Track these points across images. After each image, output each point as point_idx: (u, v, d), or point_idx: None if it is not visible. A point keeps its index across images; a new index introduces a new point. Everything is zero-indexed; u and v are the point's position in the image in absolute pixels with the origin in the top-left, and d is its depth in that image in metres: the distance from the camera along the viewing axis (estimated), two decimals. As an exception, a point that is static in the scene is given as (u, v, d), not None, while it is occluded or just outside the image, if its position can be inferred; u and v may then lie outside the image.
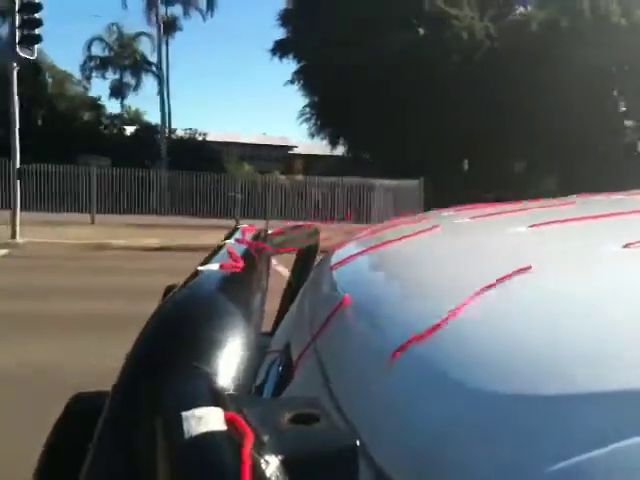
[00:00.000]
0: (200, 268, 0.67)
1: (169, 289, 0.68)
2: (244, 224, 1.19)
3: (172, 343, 0.45)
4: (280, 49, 28.95)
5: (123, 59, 35.04)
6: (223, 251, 0.81)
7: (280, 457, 0.31)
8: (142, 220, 17.39)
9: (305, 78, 28.74)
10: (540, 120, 23.44)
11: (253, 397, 0.56)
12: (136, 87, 35.81)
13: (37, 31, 12.34)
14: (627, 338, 0.43)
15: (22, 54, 12.23)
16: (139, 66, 35.31)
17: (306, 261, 1.39)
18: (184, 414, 0.32)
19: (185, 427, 0.32)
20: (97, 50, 34.82)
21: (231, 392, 0.40)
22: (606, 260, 0.64)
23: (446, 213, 1.32)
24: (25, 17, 12.03)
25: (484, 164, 25.04)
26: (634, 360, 0.40)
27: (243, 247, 0.88)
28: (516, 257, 0.74)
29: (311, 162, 33.98)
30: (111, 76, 35.68)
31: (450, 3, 25.89)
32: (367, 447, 0.41)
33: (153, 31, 32.56)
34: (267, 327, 1.20)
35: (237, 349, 0.46)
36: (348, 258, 0.87)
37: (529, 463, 0.35)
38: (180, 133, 31.95)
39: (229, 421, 0.32)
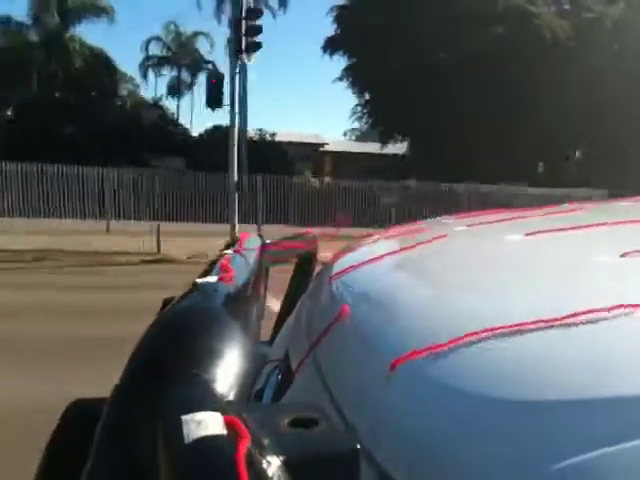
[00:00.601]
0: (198, 281, 0.67)
1: (166, 302, 0.68)
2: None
3: (172, 351, 0.45)
4: (331, 45, 28.24)
5: (181, 58, 34.64)
6: (222, 262, 0.81)
7: (280, 460, 0.31)
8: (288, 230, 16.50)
9: (355, 75, 27.77)
10: (605, 119, 22.49)
11: (252, 403, 0.56)
12: (191, 86, 35.43)
13: (257, 38, 12.59)
14: (625, 346, 0.43)
15: (246, 61, 12.58)
16: (197, 65, 34.90)
17: (305, 270, 1.39)
18: (184, 418, 0.33)
19: (185, 431, 0.32)
20: (155, 50, 34.69)
21: (230, 399, 0.40)
22: (603, 269, 0.64)
23: (446, 221, 1.32)
24: (249, 24, 12.22)
25: (559, 166, 23.77)
26: (633, 367, 0.40)
27: (242, 258, 0.89)
28: (516, 268, 0.74)
29: (342, 160, 31.78)
30: (167, 75, 35.33)
31: (529, 1, 24.77)
32: (368, 450, 0.41)
33: (224, 31, 32.53)
34: (265, 336, 1.20)
35: (236, 358, 0.46)
36: (348, 268, 0.87)
37: (526, 466, 0.35)
38: (250, 134, 31.22)
39: (228, 425, 0.32)
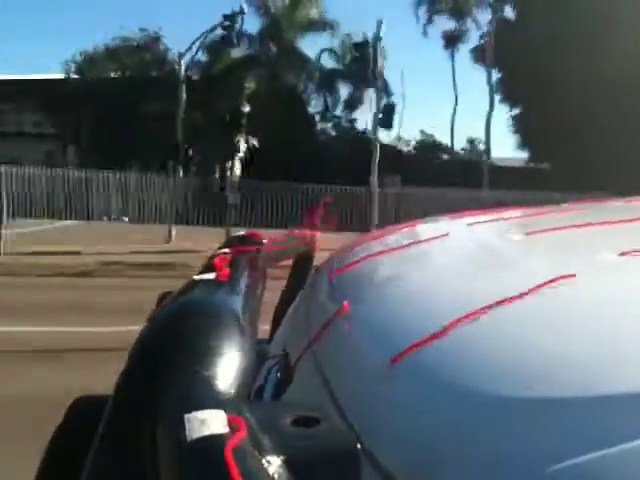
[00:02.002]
0: (196, 277, 0.67)
1: (163, 296, 0.68)
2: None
3: (171, 347, 0.45)
4: (480, 56, 27.39)
5: (354, 72, 33.94)
6: (219, 259, 0.81)
7: (281, 458, 0.32)
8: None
9: (506, 88, 26.22)
10: None
11: (255, 401, 0.56)
12: (360, 100, 34.42)
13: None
14: (624, 343, 0.43)
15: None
16: (370, 79, 34.05)
17: (303, 267, 1.39)
18: (186, 416, 0.33)
19: (187, 429, 0.32)
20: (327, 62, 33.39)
21: (231, 396, 0.40)
22: (603, 268, 0.65)
23: (445, 220, 1.32)
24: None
25: None
26: (632, 364, 0.40)
27: (240, 256, 0.88)
28: (516, 266, 0.74)
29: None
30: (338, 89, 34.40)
31: None
32: (368, 448, 0.41)
33: (433, 45, 32.02)
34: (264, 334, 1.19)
35: (235, 354, 0.46)
36: (347, 265, 0.87)
37: (528, 464, 0.35)
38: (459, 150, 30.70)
39: (231, 423, 0.32)
